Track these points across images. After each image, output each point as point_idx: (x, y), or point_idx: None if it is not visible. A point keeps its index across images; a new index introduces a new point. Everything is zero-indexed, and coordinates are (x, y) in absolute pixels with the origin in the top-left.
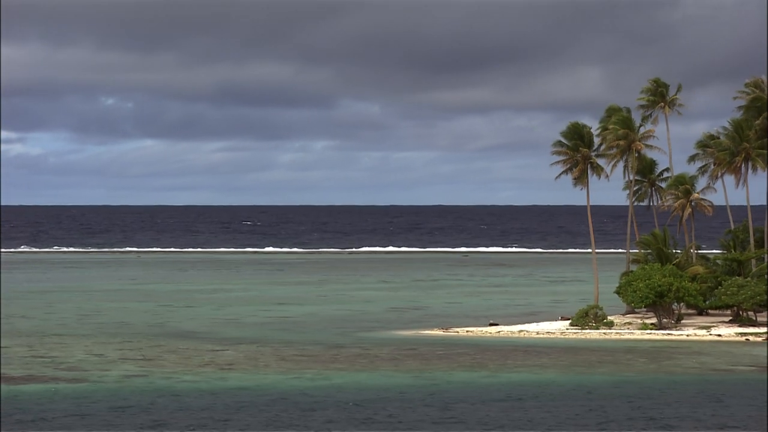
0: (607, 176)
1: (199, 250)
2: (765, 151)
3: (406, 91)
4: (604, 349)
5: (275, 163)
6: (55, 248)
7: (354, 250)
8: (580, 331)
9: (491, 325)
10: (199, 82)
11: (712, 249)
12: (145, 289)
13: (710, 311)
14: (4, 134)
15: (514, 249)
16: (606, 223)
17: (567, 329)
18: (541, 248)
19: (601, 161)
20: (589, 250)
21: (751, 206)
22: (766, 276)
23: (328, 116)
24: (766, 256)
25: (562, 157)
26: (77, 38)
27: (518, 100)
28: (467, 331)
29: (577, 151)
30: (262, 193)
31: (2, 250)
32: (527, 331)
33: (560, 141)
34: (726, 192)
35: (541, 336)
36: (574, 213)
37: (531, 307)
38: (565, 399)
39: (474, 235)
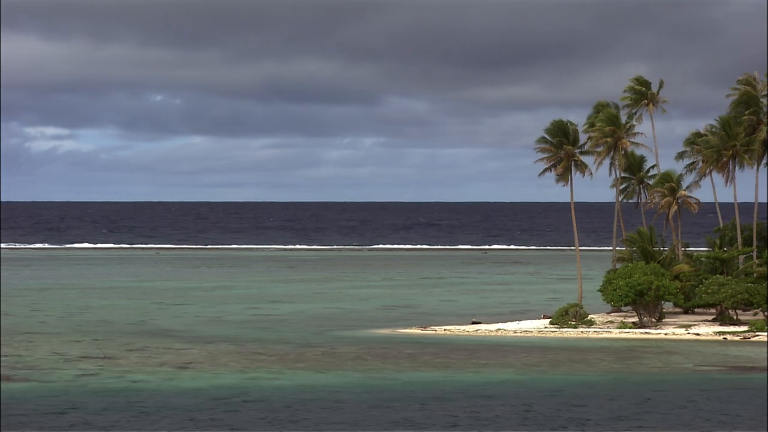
0: (591, 174)
1: (218, 246)
2: (752, 148)
3: (452, 88)
4: (574, 348)
5: (323, 160)
6: (67, 245)
7: (375, 246)
8: (558, 329)
9: (473, 323)
10: (245, 78)
11: (702, 247)
12: (145, 286)
13: (696, 310)
14: (54, 130)
15: (532, 247)
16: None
17: (546, 328)
18: (563, 245)
19: (588, 158)
20: (607, 248)
21: (742, 203)
22: (753, 274)
23: (375, 113)
24: (754, 254)
25: (545, 155)
26: (120, 35)
27: (564, 96)
28: (445, 330)
29: (561, 148)
30: (310, 190)
31: (20, 246)
32: (505, 330)
33: (544, 138)
34: (715, 190)
35: (517, 335)
36: (607, 210)
37: (525, 305)
38: (496, 398)
39: (500, 231)
